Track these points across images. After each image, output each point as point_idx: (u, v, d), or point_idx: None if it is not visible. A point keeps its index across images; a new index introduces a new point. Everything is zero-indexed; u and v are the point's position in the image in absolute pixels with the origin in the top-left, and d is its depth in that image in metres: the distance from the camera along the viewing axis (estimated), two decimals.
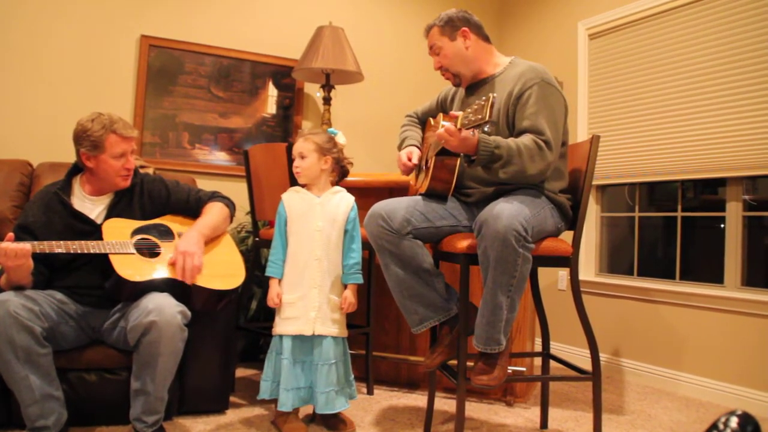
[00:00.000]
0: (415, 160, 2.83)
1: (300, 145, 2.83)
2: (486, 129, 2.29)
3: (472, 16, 2.77)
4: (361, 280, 2.86)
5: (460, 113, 2.33)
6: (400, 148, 2.97)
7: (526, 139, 2.42)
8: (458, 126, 2.30)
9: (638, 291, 4.13)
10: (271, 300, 2.78)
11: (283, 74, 4.71)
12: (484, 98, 2.18)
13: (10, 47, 3.92)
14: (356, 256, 2.86)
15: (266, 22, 4.69)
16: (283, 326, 2.75)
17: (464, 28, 2.70)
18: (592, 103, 4.58)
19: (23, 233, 2.58)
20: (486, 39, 2.77)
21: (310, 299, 2.75)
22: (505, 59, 2.77)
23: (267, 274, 2.83)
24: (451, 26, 2.71)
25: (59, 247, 2.46)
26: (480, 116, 2.18)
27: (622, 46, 4.35)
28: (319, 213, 2.82)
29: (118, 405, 2.64)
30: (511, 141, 2.41)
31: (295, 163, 2.83)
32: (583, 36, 4.65)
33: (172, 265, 2.61)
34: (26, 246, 2.36)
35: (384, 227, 2.51)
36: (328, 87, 4.46)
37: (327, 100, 4.47)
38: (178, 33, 4.38)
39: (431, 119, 2.93)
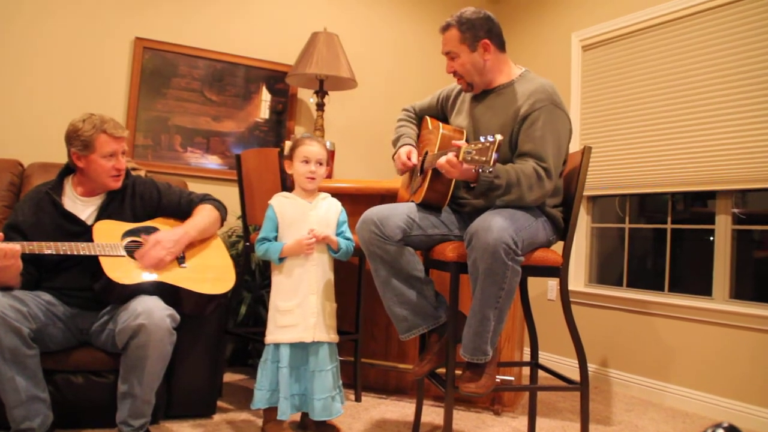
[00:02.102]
0: (414, 160, 2.80)
1: (319, 152, 2.81)
2: (488, 171, 2.20)
3: (494, 22, 2.67)
4: (344, 246, 2.84)
5: (463, 144, 2.24)
6: (395, 144, 2.93)
7: (527, 168, 2.41)
8: (460, 159, 2.24)
9: (627, 302, 4.15)
10: (306, 238, 2.73)
11: (276, 79, 4.71)
12: (490, 139, 2.13)
13: (3, 47, 3.90)
14: (349, 243, 2.87)
15: (261, 27, 4.69)
16: (279, 334, 2.73)
17: (485, 41, 2.60)
18: (584, 114, 4.60)
19: (13, 233, 2.57)
20: (503, 48, 2.69)
21: (308, 306, 2.74)
22: (517, 70, 2.71)
23: (272, 250, 2.76)
24: (472, 34, 2.60)
25: (49, 248, 2.45)
26: (484, 159, 2.13)
27: (614, 58, 4.38)
28: (314, 219, 2.82)
29: (104, 408, 2.62)
30: (510, 169, 2.39)
31: (311, 168, 2.79)
32: (576, 47, 4.67)
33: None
34: (15, 246, 2.35)
35: (376, 233, 2.51)
36: (321, 93, 4.46)
37: (320, 106, 4.47)
38: (173, 36, 4.38)
39: (428, 119, 2.88)
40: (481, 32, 2.61)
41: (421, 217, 2.60)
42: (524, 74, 2.69)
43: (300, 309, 2.73)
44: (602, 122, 4.45)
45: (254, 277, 4.15)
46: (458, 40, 2.62)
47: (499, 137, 2.11)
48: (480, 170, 2.21)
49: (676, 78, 3.92)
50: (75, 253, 2.50)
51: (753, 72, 3.51)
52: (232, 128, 4.58)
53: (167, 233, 2.71)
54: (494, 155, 2.10)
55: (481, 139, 2.16)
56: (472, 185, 2.42)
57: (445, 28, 2.66)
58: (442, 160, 2.33)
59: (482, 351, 2.39)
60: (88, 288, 2.62)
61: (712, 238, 3.76)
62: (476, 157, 2.16)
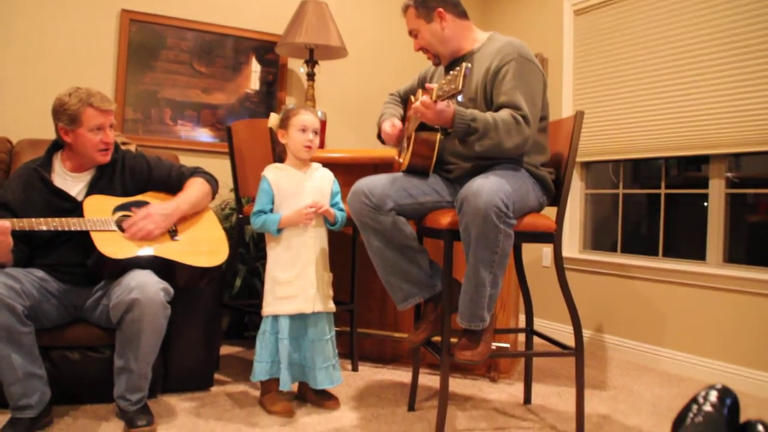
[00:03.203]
0: (399, 127, 2.83)
1: (314, 120, 2.80)
2: (460, 99, 2.31)
3: None
4: (339, 218, 2.85)
5: (435, 85, 2.33)
6: (379, 124, 2.94)
7: (504, 113, 2.42)
8: (434, 98, 2.30)
9: (621, 268, 4.16)
10: (306, 209, 2.72)
11: (266, 50, 4.66)
12: (457, 68, 2.18)
13: None
14: (342, 214, 2.86)
15: None
16: (279, 306, 2.73)
17: (439, 9, 2.65)
18: (577, 79, 4.57)
19: (2, 210, 2.55)
20: (463, 15, 2.72)
21: (307, 277, 2.74)
22: (484, 35, 2.74)
23: (270, 222, 2.74)
24: (425, 8, 2.67)
25: (40, 224, 2.43)
26: (453, 86, 2.18)
27: (607, 22, 4.33)
28: (309, 190, 2.80)
29: (101, 383, 2.62)
30: (488, 115, 2.41)
31: (309, 137, 2.77)
32: (568, 12, 4.62)
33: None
34: (5, 223, 2.33)
35: (367, 204, 2.50)
36: (311, 62, 4.42)
37: (311, 76, 4.43)
38: (160, 7, 4.31)
39: (412, 97, 2.90)
40: (434, 3, 2.67)
41: (412, 186, 2.59)
42: (492, 36, 2.72)
43: (299, 280, 2.73)
44: (595, 88, 4.42)
45: (248, 249, 4.14)
46: (415, 16, 2.71)
47: (466, 65, 2.16)
48: (456, 101, 2.31)
49: (669, 42, 3.89)
50: (66, 228, 2.48)
51: (745, 35, 3.47)
52: (222, 100, 4.54)
53: (158, 206, 2.70)
54: (462, 80, 2.15)
55: (451, 72, 2.24)
56: (449, 131, 2.42)
57: (404, 9, 2.76)
58: (417, 103, 2.35)
59: (479, 317, 2.40)
60: (80, 264, 2.61)
61: (705, 203, 3.76)
62: (446, 88, 2.23)
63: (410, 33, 2.76)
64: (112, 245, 2.53)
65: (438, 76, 2.86)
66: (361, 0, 5.08)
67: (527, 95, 2.48)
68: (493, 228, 2.25)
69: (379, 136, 2.94)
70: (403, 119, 2.95)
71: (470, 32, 2.73)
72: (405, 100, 3.05)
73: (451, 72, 2.23)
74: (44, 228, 2.44)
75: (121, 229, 2.61)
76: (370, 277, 3.45)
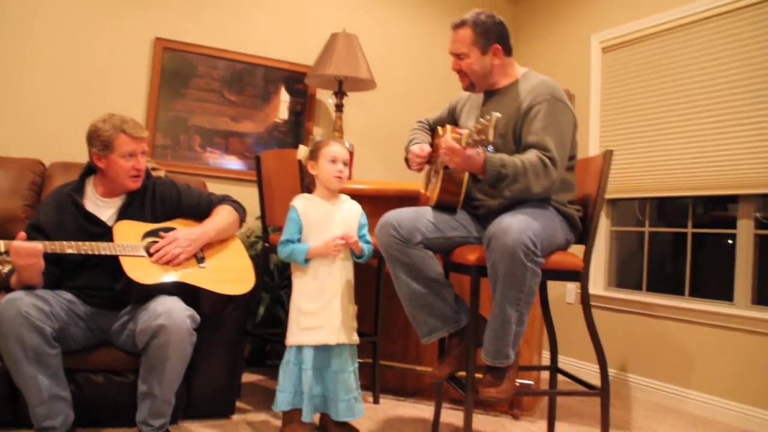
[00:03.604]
0: (428, 151, 2.84)
1: (343, 151, 2.82)
2: (490, 149, 2.34)
3: (506, 28, 2.70)
4: (366, 251, 2.84)
5: (464, 131, 2.35)
6: (407, 149, 2.95)
7: (532, 156, 2.42)
8: (463, 145, 2.33)
9: (647, 306, 4.11)
10: (336, 240, 2.72)
11: (295, 80, 4.72)
12: (487, 117, 2.19)
13: (26, 48, 3.93)
14: (369, 247, 2.86)
15: (280, 28, 4.70)
16: (303, 336, 2.72)
17: (497, 45, 2.64)
18: (604, 116, 4.57)
19: (35, 233, 2.59)
20: (510, 53, 2.73)
21: (333, 308, 2.73)
22: (520, 70, 2.75)
23: (298, 252, 2.74)
24: (486, 38, 2.63)
25: (70, 247, 2.46)
26: (484, 137, 2.22)
27: (635, 60, 4.34)
28: (337, 221, 2.81)
29: (124, 407, 2.63)
30: (516, 159, 2.41)
31: (339, 168, 2.78)
32: (596, 49, 4.64)
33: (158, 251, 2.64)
34: (38, 246, 2.37)
35: (395, 236, 2.51)
36: (340, 94, 4.46)
37: (339, 107, 4.47)
38: (193, 36, 4.39)
39: (440, 129, 2.91)
40: (494, 37, 2.65)
41: (440, 220, 2.60)
42: (527, 73, 2.73)
43: (325, 311, 2.72)
44: (622, 124, 4.41)
45: (273, 277, 4.15)
46: (471, 42, 2.65)
47: (496, 114, 2.17)
48: (484, 149, 2.33)
49: (698, 80, 3.89)
50: (96, 252, 2.51)
51: None
52: (251, 129, 4.59)
53: (185, 231, 2.73)
54: (493, 132, 2.17)
55: (481, 119, 2.25)
56: (480, 177, 2.44)
57: (459, 25, 2.68)
58: (446, 142, 2.37)
59: (504, 354, 2.39)
60: (108, 288, 2.63)
61: (730, 241, 3.72)
62: (476, 137, 2.25)
63: (455, 54, 2.70)
64: (140, 270, 2.56)
65: (467, 109, 2.88)
66: (391, 33, 5.14)
67: (557, 137, 2.48)
68: (521, 266, 2.25)
69: (407, 159, 2.95)
70: (431, 145, 2.95)
71: (510, 68, 2.74)
72: (433, 129, 3.05)
73: (482, 120, 2.24)
74: (74, 251, 2.47)
75: (150, 255, 2.63)
76: (393, 309, 3.45)
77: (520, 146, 2.55)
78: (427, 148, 2.86)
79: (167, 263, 2.63)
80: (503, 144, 2.56)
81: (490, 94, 2.75)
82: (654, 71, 4.19)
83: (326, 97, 4.80)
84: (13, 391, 2.52)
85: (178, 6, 4.37)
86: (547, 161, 2.42)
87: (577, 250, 2.64)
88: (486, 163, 2.37)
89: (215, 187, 4.00)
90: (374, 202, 3.42)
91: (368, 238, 2.89)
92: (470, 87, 2.76)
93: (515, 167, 2.38)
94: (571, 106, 2.60)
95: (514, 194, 2.44)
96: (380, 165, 4.94)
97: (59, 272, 2.65)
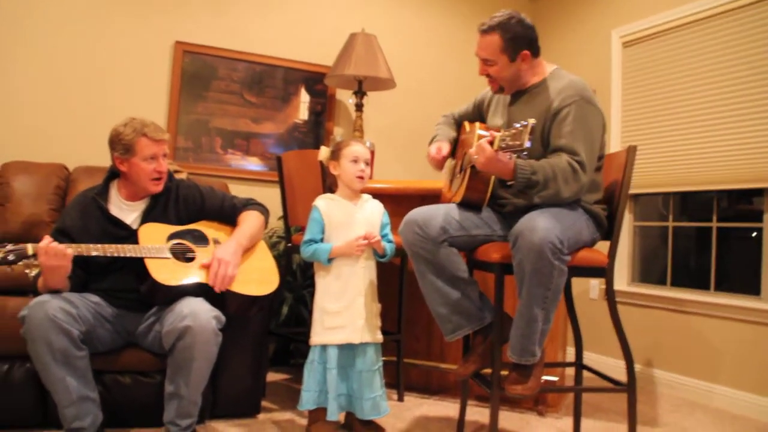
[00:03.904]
0: (444, 153, 2.82)
1: (365, 151, 2.83)
2: (524, 155, 2.26)
3: (535, 31, 2.62)
4: (389, 250, 2.86)
5: (497, 134, 2.30)
6: (430, 144, 2.94)
7: (562, 162, 2.40)
8: (495, 148, 2.29)
9: (672, 301, 4.08)
10: (359, 240, 2.74)
11: (315, 80, 4.73)
12: (523, 123, 2.16)
13: (48, 54, 3.98)
14: (391, 246, 2.87)
15: (299, 29, 4.71)
16: (327, 336, 2.74)
17: (525, 52, 2.57)
18: (625, 111, 4.54)
19: (61, 237, 2.61)
20: (538, 54, 2.65)
21: (356, 308, 2.75)
22: (549, 67, 2.69)
23: (321, 251, 2.76)
24: (514, 46, 2.56)
25: (96, 249, 2.49)
26: (518, 142, 2.16)
27: (656, 54, 4.31)
28: (360, 221, 2.82)
29: (152, 408, 2.65)
30: (546, 164, 2.39)
31: (361, 167, 2.79)
32: (617, 44, 4.61)
33: (206, 267, 2.63)
34: (66, 249, 2.39)
35: (419, 234, 2.51)
36: (360, 94, 4.47)
37: (359, 107, 4.48)
38: (212, 39, 4.42)
39: (466, 123, 2.90)
40: (523, 44, 2.58)
41: (464, 218, 2.60)
42: (555, 71, 2.68)
43: (348, 311, 2.74)
44: (644, 119, 4.38)
45: (295, 277, 4.17)
46: (499, 49, 2.57)
47: (532, 121, 2.14)
48: (516, 156, 2.26)
49: (719, 73, 3.85)
50: (121, 254, 2.53)
51: None
52: (271, 130, 4.61)
53: (224, 250, 2.70)
54: (528, 138, 2.12)
55: (515, 125, 2.19)
56: (509, 183, 2.42)
57: (487, 31, 2.59)
58: (473, 148, 2.34)
59: (530, 352, 2.38)
60: (134, 289, 2.65)
61: (754, 234, 3.68)
62: (511, 143, 2.19)
63: (482, 58, 2.64)
64: (165, 272, 2.57)
65: (495, 105, 2.84)
66: (410, 32, 5.14)
67: (586, 140, 2.46)
68: (548, 264, 2.24)
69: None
70: (456, 141, 2.95)
71: (539, 67, 2.68)
72: (459, 123, 3.03)
73: (516, 126, 2.19)
74: (101, 254, 2.49)
75: (175, 257, 2.65)
76: (416, 307, 3.45)
77: (548, 148, 2.52)
78: (445, 149, 2.84)
79: (228, 284, 2.64)
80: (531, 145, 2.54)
81: (519, 93, 2.71)
82: (675, 65, 4.16)
83: (346, 97, 4.80)
84: (42, 393, 2.56)
85: (198, 10, 4.40)
86: (577, 166, 2.40)
87: (602, 246, 2.62)
88: (516, 170, 2.34)
89: (237, 188, 4.02)
90: (396, 201, 3.42)
91: (390, 237, 2.90)
92: (500, 91, 2.72)
93: (545, 173, 2.36)
94: (599, 107, 2.56)
95: (543, 200, 2.43)
96: (400, 164, 4.95)
97: (85, 275, 2.67)
